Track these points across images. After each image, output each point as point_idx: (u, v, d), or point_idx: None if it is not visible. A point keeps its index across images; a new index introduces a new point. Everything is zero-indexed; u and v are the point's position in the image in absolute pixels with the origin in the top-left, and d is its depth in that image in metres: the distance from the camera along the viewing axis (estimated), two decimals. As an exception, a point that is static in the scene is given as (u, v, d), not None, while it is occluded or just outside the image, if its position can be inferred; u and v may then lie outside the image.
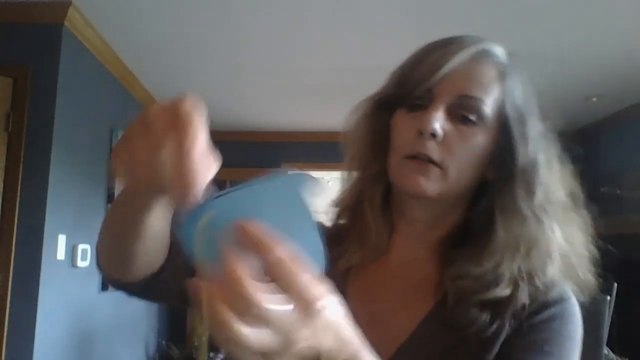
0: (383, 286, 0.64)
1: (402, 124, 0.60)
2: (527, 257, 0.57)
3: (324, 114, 3.79)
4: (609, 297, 2.04)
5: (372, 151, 0.65)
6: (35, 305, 2.07)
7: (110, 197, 2.87)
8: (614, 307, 2.21)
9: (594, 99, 3.64)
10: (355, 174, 0.68)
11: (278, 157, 4.40)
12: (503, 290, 0.56)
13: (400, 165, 0.59)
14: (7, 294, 2.04)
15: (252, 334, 0.32)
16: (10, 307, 2.04)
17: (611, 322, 2.12)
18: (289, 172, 0.38)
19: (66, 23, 2.28)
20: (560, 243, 0.59)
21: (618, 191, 3.93)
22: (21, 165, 2.13)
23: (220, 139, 4.98)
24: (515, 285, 0.56)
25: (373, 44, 2.57)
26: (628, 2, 2.26)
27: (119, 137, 0.41)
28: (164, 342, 3.98)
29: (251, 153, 4.53)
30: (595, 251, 0.63)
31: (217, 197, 0.37)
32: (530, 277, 0.57)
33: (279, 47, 2.74)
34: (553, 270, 0.58)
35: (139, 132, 0.38)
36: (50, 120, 2.20)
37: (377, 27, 2.49)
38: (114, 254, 0.57)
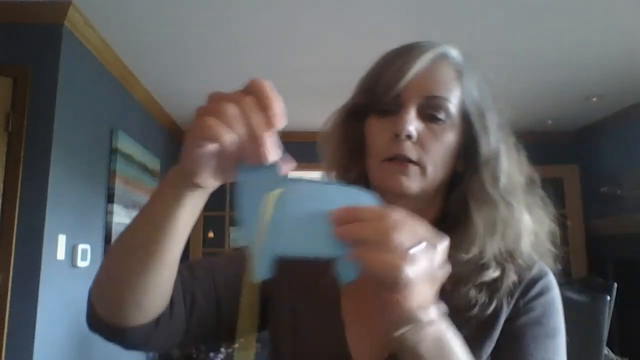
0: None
1: (376, 129, 0.64)
2: (504, 239, 0.63)
3: (324, 114, 3.78)
4: (609, 297, 2.04)
5: (348, 158, 0.69)
6: (35, 305, 2.07)
7: (110, 197, 2.87)
8: (614, 307, 2.21)
9: (594, 99, 3.64)
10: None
11: (278, 157, 4.39)
12: (494, 272, 0.61)
13: (381, 168, 0.63)
14: (7, 294, 2.04)
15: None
16: (10, 307, 2.04)
17: (611, 322, 2.13)
18: (361, 188, 0.45)
19: (66, 23, 2.28)
20: (528, 222, 0.65)
21: (618, 191, 3.93)
22: (21, 165, 2.13)
23: (220, 139, 4.92)
24: (503, 266, 0.62)
25: (373, 44, 2.56)
26: (628, 2, 2.26)
27: (197, 112, 0.45)
28: (164, 342, 3.98)
29: (251, 153, 4.52)
30: (555, 227, 0.70)
31: (290, 179, 0.43)
32: (511, 256, 0.63)
33: (279, 47, 2.74)
34: (526, 248, 0.64)
35: (218, 105, 0.44)
36: (50, 120, 2.20)
37: (377, 27, 2.48)
38: (122, 284, 0.53)
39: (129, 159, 3.12)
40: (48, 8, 2.23)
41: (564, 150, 4.55)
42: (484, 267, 0.61)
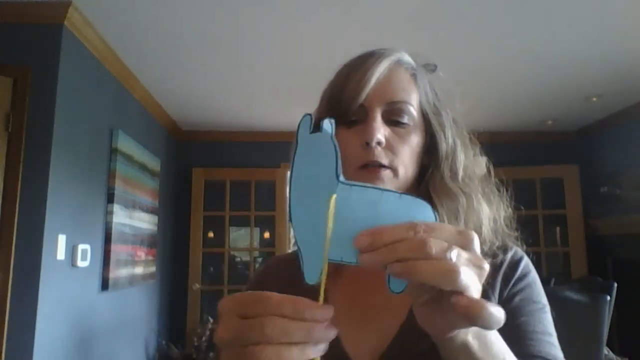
0: (365, 283, 0.70)
1: (346, 139, 0.67)
2: (467, 227, 0.66)
3: (324, 114, 3.78)
4: (608, 297, 2.04)
5: None
6: (35, 305, 2.07)
7: (110, 197, 2.87)
8: (614, 307, 2.21)
9: (594, 99, 3.64)
10: None
11: (278, 157, 4.40)
12: None
13: (356, 176, 0.65)
14: (7, 294, 2.04)
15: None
16: (10, 307, 2.04)
17: (611, 322, 2.12)
18: (414, 196, 0.43)
19: (66, 23, 2.28)
20: (487, 210, 0.69)
21: (618, 191, 3.93)
22: (21, 165, 2.13)
23: (221, 139, 4.92)
24: None
25: (373, 45, 2.56)
26: (628, 2, 2.26)
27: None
28: (164, 342, 3.98)
29: (251, 153, 4.53)
30: (510, 211, 0.73)
31: (344, 183, 0.42)
32: None
33: (280, 47, 2.74)
34: (488, 234, 0.68)
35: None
36: (50, 120, 2.20)
37: (377, 27, 2.49)
38: None
39: (129, 159, 3.12)
40: (48, 8, 2.23)
41: (564, 150, 4.55)
42: None
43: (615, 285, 2.30)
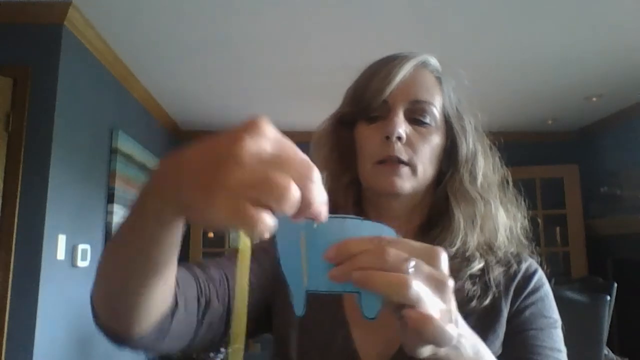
0: None
1: (367, 134, 0.68)
2: (483, 232, 0.68)
3: (323, 114, 3.78)
4: (608, 297, 2.04)
5: (340, 164, 0.73)
6: (35, 305, 2.07)
7: (110, 197, 2.87)
8: (614, 307, 2.21)
9: (594, 99, 3.64)
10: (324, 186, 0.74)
11: (278, 157, 4.39)
12: (479, 264, 0.66)
13: (374, 171, 0.67)
14: (7, 294, 2.04)
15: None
16: (10, 307, 2.04)
17: (611, 322, 2.13)
18: (378, 222, 0.44)
19: (66, 23, 2.28)
20: (503, 218, 0.70)
21: (618, 191, 3.93)
22: (21, 165, 2.13)
23: (220, 139, 4.90)
24: (483, 257, 0.67)
25: (373, 45, 2.57)
26: (628, 2, 2.26)
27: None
28: (164, 342, 3.98)
29: (251, 153, 4.52)
30: (525, 221, 0.74)
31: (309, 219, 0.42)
32: (491, 249, 0.68)
33: (279, 47, 2.74)
34: (503, 241, 0.69)
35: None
36: (50, 120, 2.20)
37: (377, 28, 2.49)
38: (122, 290, 0.48)
39: (129, 159, 3.12)
40: (48, 8, 2.23)
41: (564, 150, 4.55)
42: (470, 260, 0.66)
43: (615, 285, 2.30)
